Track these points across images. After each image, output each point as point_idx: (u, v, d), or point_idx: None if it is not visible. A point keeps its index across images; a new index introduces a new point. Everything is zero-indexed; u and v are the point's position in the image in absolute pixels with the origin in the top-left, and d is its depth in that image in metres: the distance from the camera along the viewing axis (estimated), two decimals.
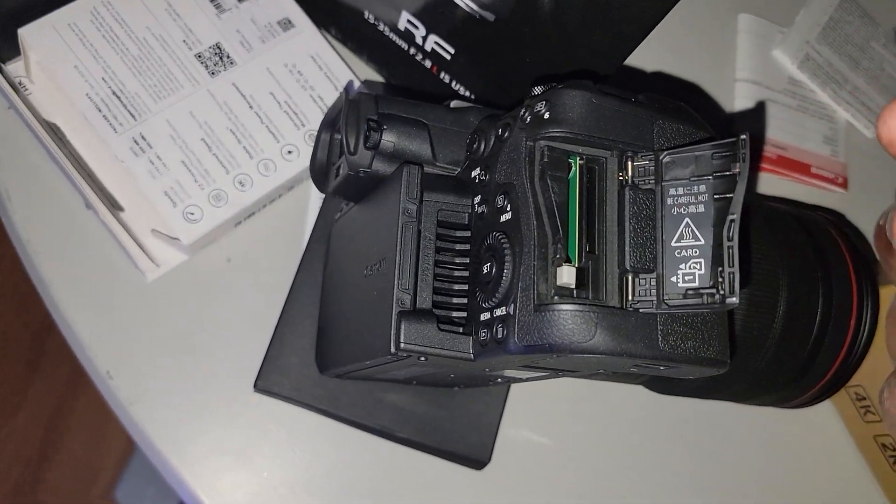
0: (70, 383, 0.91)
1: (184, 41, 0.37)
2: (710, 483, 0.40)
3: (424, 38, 0.36)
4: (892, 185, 0.49)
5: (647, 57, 0.47)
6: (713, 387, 0.33)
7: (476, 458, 0.36)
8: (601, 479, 0.39)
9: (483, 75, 0.36)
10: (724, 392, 0.34)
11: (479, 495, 0.37)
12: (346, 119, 0.28)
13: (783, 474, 0.42)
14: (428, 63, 0.37)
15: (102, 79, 0.35)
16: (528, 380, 0.31)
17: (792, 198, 0.46)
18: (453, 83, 0.37)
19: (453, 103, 0.31)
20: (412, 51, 0.37)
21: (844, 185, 0.48)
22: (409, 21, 0.36)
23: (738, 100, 0.47)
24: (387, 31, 0.37)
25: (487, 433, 0.36)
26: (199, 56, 0.37)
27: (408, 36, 0.37)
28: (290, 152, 0.37)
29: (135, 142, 0.35)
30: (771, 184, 0.46)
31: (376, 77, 0.41)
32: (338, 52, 0.39)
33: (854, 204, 0.48)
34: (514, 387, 0.38)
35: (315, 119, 0.37)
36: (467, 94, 0.37)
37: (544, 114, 0.24)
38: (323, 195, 0.38)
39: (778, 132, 0.46)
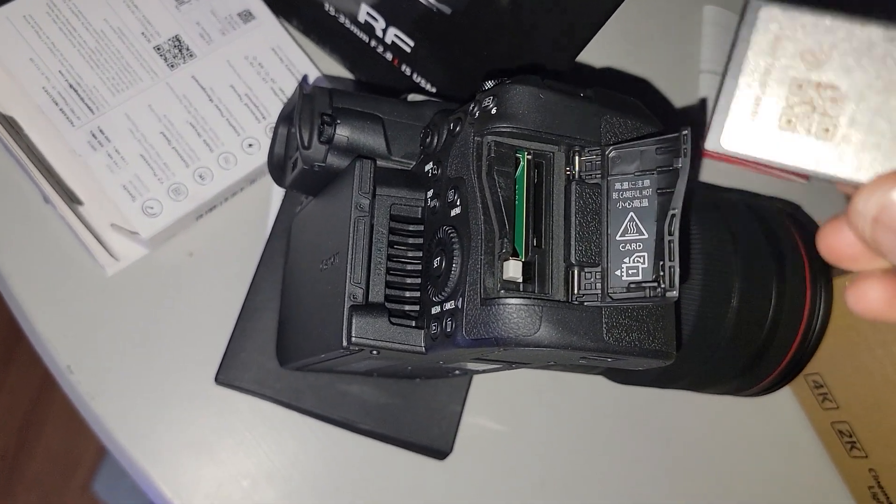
0: (46, 376, 0.91)
1: (142, 33, 0.37)
2: (671, 471, 0.41)
3: (384, 31, 0.36)
4: None
5: (612, 49, 0.47)
6: (670, 376, 0.34)
7: (438, 449, 0.36)
8: (562, 468, 0.39)
9: (443, 68, 0.36)
10: (680, 382, 0.35)
11: (442, 485, 0.37)
12: (300, 114, 0.28)
13: (745, 461, 0.43)
14: (389, 55, 0.37)
15: (59, 72, 0.35)
16: (484, 371, 0.31)
17: (755, 189, 0.46)
18: (414, 75, 0.37)
19: (410, 97, 0.31)
20: (373, 43, 0.37)
21: (806, 176, 0.48)
22: (368, 13, 0.36)
23: (702, 91, 0.47)
24: (347, 24, 0.37)
25: (449, 424, 0.36)
26: (158, 48, 0.37)
27: (368, 28, 0.36)
28: (250, 145, 0.37)
29: (93, 135, 0.35)
30: (733, 175, 0.47)
31: (339, 69, 0.41)
32: (300, 45, 0.39)
33: (816, 195, 0.48)
34: (477, 377, 0.38)
35: (276, 112, 0.37)
36: (428, 86, 0.37)
37: (492, 109, 0.24)
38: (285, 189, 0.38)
39: None
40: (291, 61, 0.38)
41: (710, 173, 0.46)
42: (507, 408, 0.39)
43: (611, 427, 0.41)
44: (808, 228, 0.37)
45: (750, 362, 0.34)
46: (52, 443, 0.91)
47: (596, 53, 0.46)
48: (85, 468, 0.91)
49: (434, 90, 0.37)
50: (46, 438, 0.91)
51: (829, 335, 0.36)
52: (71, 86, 0.35)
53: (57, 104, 0.35)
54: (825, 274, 0.35)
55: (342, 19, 0.37)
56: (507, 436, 0.39)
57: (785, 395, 0.43)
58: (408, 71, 0.37)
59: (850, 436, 0.40)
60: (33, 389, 0.91)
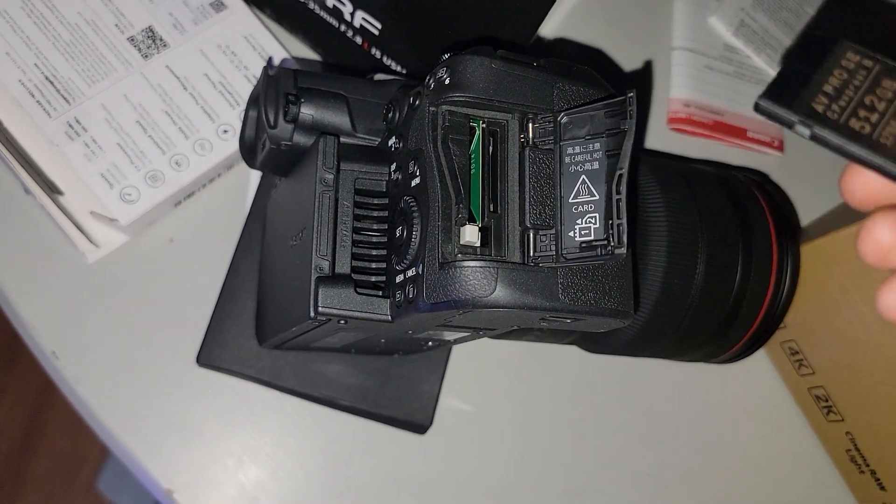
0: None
1: (116, 25, 0.37)
2: (652, 440, 0.42)
3: (352, 15, 0.37)
4: None
5: (584, 27, 0.47)
6: (641, 343, 0.35)
7: (418, 423, 0.37)
8: (542, 440, 0.40)
9: (411, 49, 0.36)
10: (652, 348, 0.35)
11: (424, 459, 0.38)
12: (266, 94, 0.29)
13: (725, 430, 0.43)
14: (358, 39, 0.38)
15: (35, 64, 0.36)
16: (455, 342, 0.32)
17: (730, 163, 0.47)
18: (384, 58, 0.38)
19: (377, 76, 0.32)
20: (342, 27, 0.38)
21: (781, 147, 0.49)
22: None
23: (674, 67, 0.48)
24: (317, 9, 0.38)
25: (428, 398, 0.37)
26: (132, 39, 0.37)
27: (336, 13, 0.37)
28: (225, 132, 0.37)
29: (70, 126, 0.36)
30: (708, 149, 0.47)
31: (313, 56, 0.42)
32: (273, 33, 0.40)
33: (792, 166, 0.49)
34: (455, 354, 0.39)
35: None
36: (398, 68, 0.38)
37: (445, 79, 0.25)
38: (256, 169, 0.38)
39: (714, 98, 0.47)
40: (264, 48, 0.39)
41: (682, 146, 0.46)
42: (485, 382, 0.40)
43: (589, 398, 0.41)
44: (774, 196, 0.37)
45: (720, 328, 0.35)
46: (56, 442, 0.92)
47: (568, 30, 0.47)
48: (89, 467, 0.91)
49: (404, 72, 0.38)
50: (51, 438, 0.92)
51: (800, 301, 0.37)
52: (47, 78, 0.36)
53: (34, 96, 0.36)
54: (792, 238, 0.36)
55: (311, 5, 0.38)
56: (486, 410, 0.39)
57: (763, 364, 0.44)
58: (378, 54, 0.38)
59: (827, 400, 0.41)
60: (38, 389, 0.92)
